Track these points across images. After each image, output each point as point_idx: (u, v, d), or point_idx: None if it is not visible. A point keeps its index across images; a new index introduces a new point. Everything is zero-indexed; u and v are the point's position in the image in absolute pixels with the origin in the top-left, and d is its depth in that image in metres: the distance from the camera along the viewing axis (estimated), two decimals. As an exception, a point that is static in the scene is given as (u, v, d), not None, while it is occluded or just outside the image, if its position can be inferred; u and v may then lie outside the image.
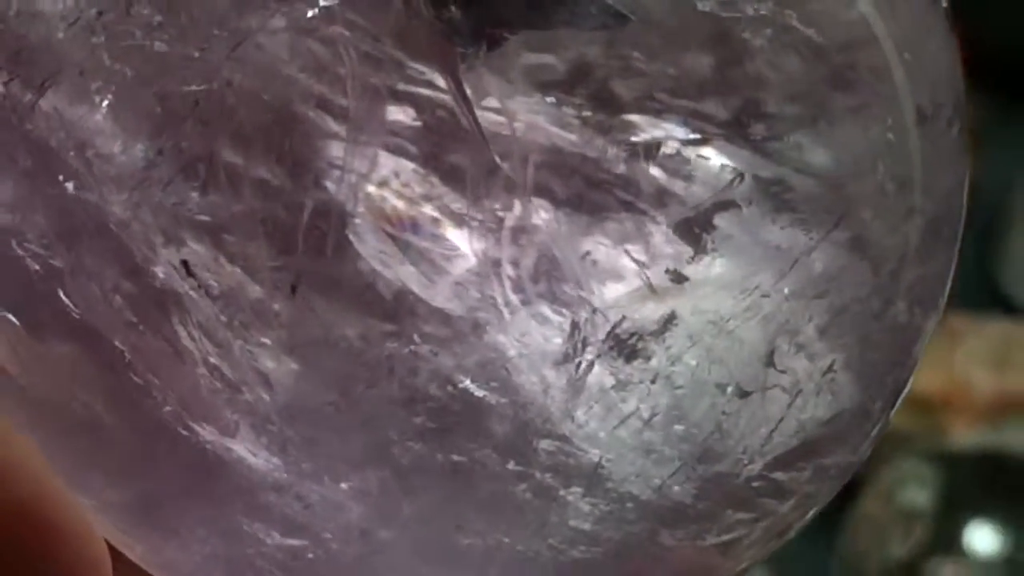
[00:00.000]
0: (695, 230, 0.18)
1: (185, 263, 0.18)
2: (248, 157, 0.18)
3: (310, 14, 0.18)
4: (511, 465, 0.18)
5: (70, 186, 0.18)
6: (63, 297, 0.18)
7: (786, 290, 0.18)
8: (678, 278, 0.18)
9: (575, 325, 0.18)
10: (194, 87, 0.18)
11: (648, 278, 0.18)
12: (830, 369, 0.19)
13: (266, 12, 0.18)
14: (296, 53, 0.18)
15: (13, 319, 0.19)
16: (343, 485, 0.18)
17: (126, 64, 0.18)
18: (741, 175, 0.18)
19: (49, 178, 0.18)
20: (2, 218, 0.19)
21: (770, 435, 0.19)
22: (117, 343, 0.18)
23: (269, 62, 0.18)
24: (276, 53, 0.18)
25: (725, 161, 0.18)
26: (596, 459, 0.18)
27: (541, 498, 0.18)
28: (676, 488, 0.19)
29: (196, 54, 0.18)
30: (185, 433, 0.18)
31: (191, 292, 0.18)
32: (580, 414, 0.18)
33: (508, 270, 0.18)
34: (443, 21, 0.18)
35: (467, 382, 0.18)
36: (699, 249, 0.18)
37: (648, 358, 0.18)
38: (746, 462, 0.19)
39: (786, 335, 0.19)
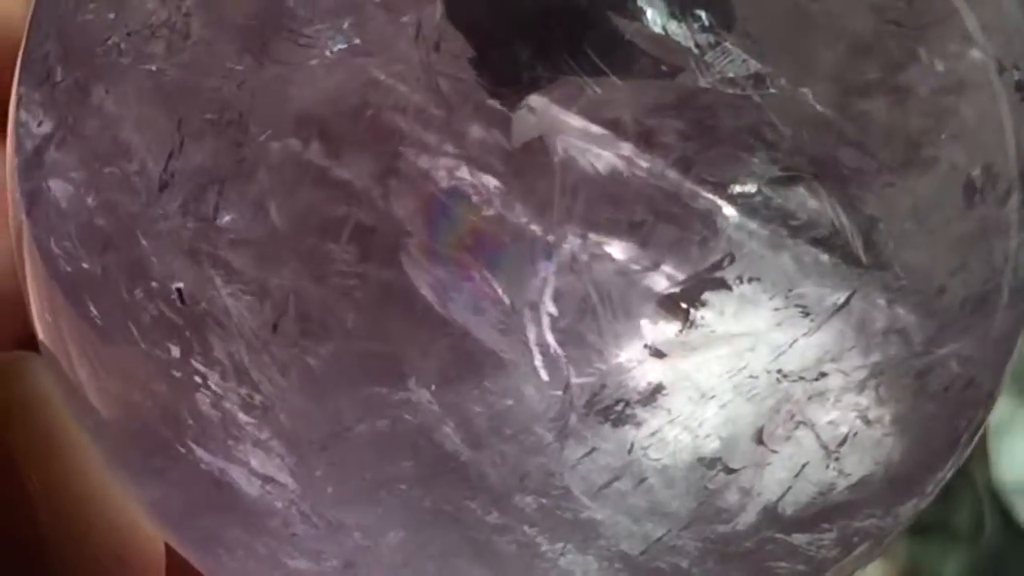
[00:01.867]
0: (682, 305, 0.18)
1: (198, 285, 0.18)
2: (277, 174, 0.18)
3: (329, 53, 0.18)
4: (494, 517, 0.18)
5: (109, 190, 0.19)
6: (89, 304, 0.19)
7: (779, 371, 0.18)
8: (657, 353, 0.18)
9: (567, 384, 0.18)
10: (212, 111, 0.18)
11: (640, 345, 0.18)
12: (844, 440, 0.19)
13: (295, 47, 0.18)
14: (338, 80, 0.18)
15: (48, 316, 0.20)
16: (329, 517, 0.19)
17: (145, 87, 0.18)
18: (732, 256, 0.18)
19: (94, 180, 0.19)
20: (60, 208, 0.19)
21: (779, 500, 0.19)
22: (133, 355, 0.19)
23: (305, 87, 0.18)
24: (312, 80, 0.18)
25: (810, 203, 0.18)
26: (583, 516, 0.18)
27: (525, 552, 0.19)
28: (672, 549, 0.19)
29: (213, 82, 0.18)
30: (182, 449, 0.19)
31: (198, 311, 0.18)
32: (566, 473, 0.18)
33: (549, 307, 0.18)
34: (479, 71, 0.18)
35: (456, 431, 0.18)
36: (686, 323, 0.18)
37: (637, 425, 0.18)
38: (751, 525, 0.19)
39: (782, 414, 0.18)
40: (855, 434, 0.19)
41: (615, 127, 0.17)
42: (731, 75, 0.17)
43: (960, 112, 0.19)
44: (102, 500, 0.21)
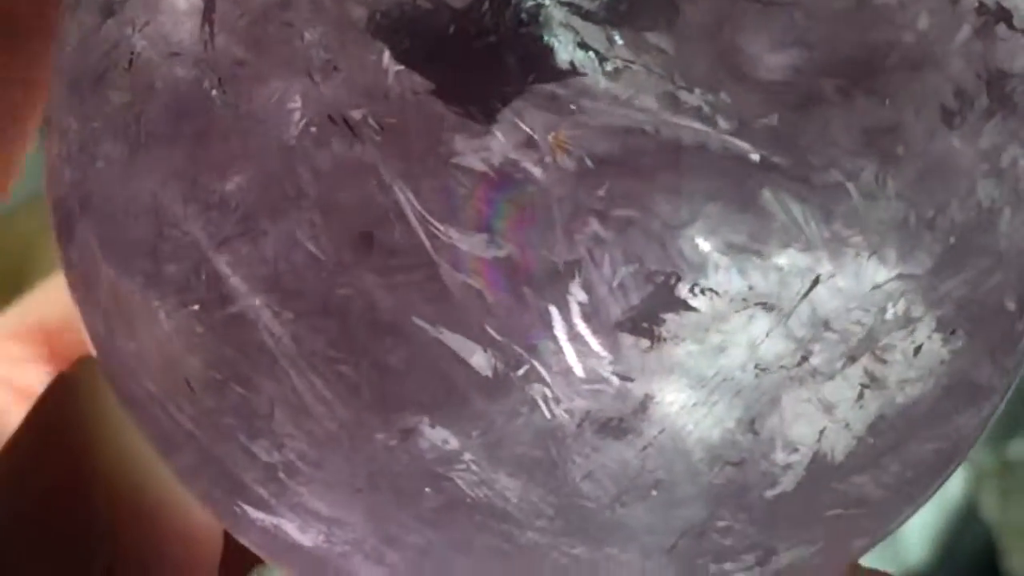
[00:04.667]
0: (644, 324, 0.18)
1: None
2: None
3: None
4: (530, 536, 0.19)
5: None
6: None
7: (758, 366, 0.18)
8: (625, 378, 0.18)
9: (552, 410, 0.18)
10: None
11: (617, 367, 0.18)
12: (859, 398, 0.19)
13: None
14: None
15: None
16: (383, 561, 0.20)
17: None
18: (677, 275, 0.18)
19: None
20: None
21: (814, 456, 0.19)
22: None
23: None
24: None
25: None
26: (618, 518, 0.19)
27: (575, 563, 0.19)
28: (712, 531, 0.19)
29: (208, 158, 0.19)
30: (238, 510, 0.20)
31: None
32: (584, 488, 0.19)
33: (579, 295, 0.18)
34: (444, 94, 0.18)
35: (478, 463, 0.19)
36: (654, 340, 0.18)
37: (639, 433, 0.18)
38: (801, 481, 0.19)
39: (772, 402, 0.18)
40: (862, 396, 0.19)
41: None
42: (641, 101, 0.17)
43: (922, 43, 0.18)
44: (162, 485, 0.22)
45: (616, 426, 0.18)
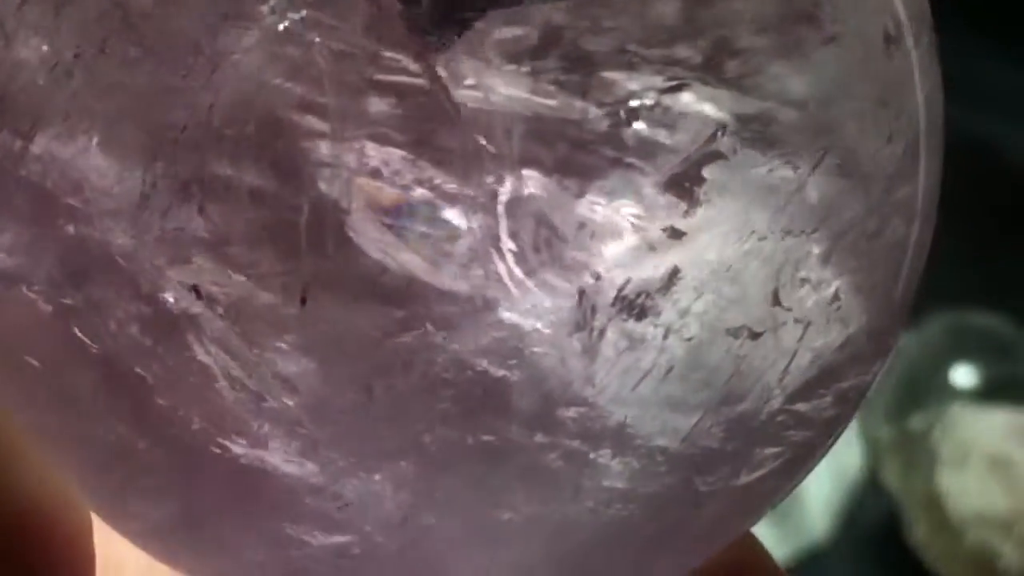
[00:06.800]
0: (685, 184, 0.18)
1: (194, 285, 0.18)
2: (241, 170, 0.18)
3: (281, 27, 0.18)
4: (539, 437, 0.19)
5: (71, 227, 0.18)
6: (78, 334, 0.19)
7: (783, 228, 0.19)
8: (675, 234, 0.18)
9: (582, 292, 0.18)
10: (179, 114, 0.18)
11: (646, 235, 0.18)
12: (836, 297, 0.19)
13: (238, 31, 0.18)
14: (274, 62, 0.18)
15: (33, 361, 0.19)
16: (377, 477, 0.19)
17: (109, 102, 0.18)
18: (724, 127, 0.18)
19: (50, 221, 0.18)
20: (8, 263, 0.19)
21: (786, 369, 0.19)
22: (138, 370, 0.19)
23: (249, 76, 0.18)
24: (254, 67, 0.18)
25: (705, 106, 0.18)
26: (621, 419, 0.19)
27: (572, 464, 0.19)
28: (704, 435, 0.19)
29: (176, 83, 0.18)
30: (217, 450, 0.19)
31: (202, 310, 0.18)
32: (599, 378, 0.18)
33: (508, 244, 0.18)
34: (410, 15, 0.18)
35: (484, 363, 0.18)
36: (692, 202, 0.18)
37: (658, 314, 0.18)
38: (768, 398, 0.19)
39: (789, 272, 0.19)
40: (845, 285, 0.20)
41: (522, 64, 0.18)
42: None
43: None
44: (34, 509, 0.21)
45: (642, 305, 0.18)
